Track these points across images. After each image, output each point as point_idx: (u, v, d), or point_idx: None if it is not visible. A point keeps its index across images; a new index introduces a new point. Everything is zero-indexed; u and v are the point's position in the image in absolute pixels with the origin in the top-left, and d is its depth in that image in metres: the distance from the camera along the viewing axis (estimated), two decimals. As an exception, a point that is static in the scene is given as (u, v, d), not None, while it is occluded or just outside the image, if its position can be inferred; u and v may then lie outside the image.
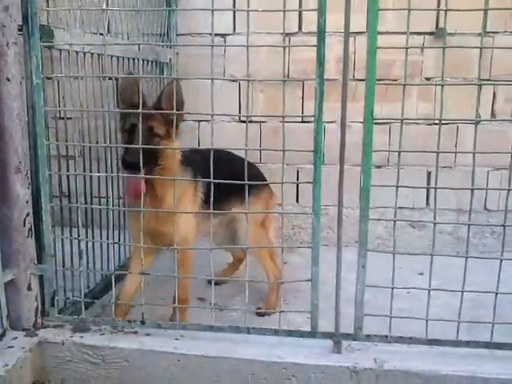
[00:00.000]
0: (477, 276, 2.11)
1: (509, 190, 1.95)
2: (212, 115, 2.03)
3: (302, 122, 3.45)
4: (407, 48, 1.94)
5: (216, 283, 2.71)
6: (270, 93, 3.57)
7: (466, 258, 1.94)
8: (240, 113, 3.59)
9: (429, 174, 3.55)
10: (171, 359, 2.01)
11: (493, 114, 3.47)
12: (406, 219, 3.47)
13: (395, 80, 3.49)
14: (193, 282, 2.42)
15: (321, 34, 1.90)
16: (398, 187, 1.96)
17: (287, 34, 3.54)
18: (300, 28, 3.55)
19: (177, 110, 2.04)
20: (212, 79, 2.05)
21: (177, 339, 2.10)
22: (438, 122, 1.96)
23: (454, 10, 2.07)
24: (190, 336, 2.12)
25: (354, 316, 2.01)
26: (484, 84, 1.93)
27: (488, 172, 3.50)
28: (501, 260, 1.93)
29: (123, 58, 2.78)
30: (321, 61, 1.91)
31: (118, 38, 2.88)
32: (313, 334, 2.04)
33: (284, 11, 1.97)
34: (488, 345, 1.98)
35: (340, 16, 1.90)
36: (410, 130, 3.37)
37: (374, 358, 1.98)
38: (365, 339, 2.02)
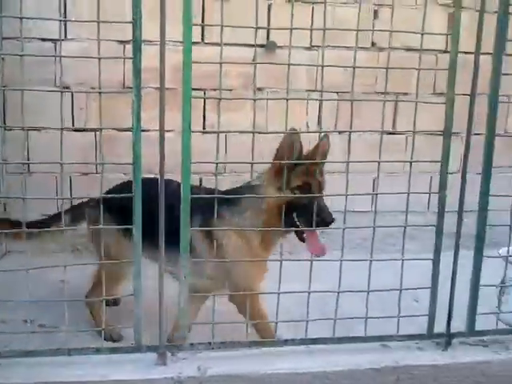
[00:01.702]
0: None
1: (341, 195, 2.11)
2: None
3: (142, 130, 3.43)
4: (221, 63, 2.01)
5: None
6: (105, 102, 3.48)
7: (280, 260, 2.06)
8: (73, 122, 3.46)
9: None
10: (-17, 390, 1.87)
11: (319, 123, 3.73)
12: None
13: (230, 90, 3.60)
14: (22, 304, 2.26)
15: (136, 45, 1.89)
16: (216, 197, 2.02)
17: (122, 42, 3.49)
18: (135, 35, 3.51)
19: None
20: (22, 90, 1.94)
21: (-8, 368, 1.95)
22: (265, 132, 2.07)
23: (273, 29, 2.20)
24: (6, 364, 1.97)
25: (179, 326, 2.03)
26: (291, 99, 2.04)
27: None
28: (341, 261, 2.07)
29: None
30: (137, 72, 1.91)
31: None
32: (137, 348, 2.02)
33: (98, 22, 1.94)
34: (304, 341, 2.11)
35: (176, 26, 1.92)
36: (244, 138, 3.50)
37: (198, 365, 2.00)
38: (189, 348, 2.04)
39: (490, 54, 2.01)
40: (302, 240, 2.34)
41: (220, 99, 2.05)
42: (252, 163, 2.05)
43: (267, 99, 3.32)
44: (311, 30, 3.57)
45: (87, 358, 2.02)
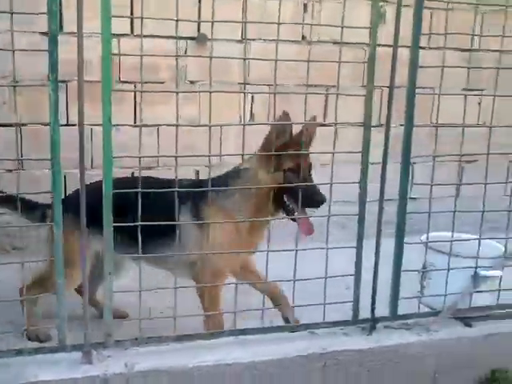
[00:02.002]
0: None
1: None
2: None
3: (67, 125, 3.33)
4: (142, 55, 1.97)
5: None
6: (31, 96, 3.37)
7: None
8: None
9: (197, 172, 3.69)
10: None
11: (252, 115, 3.75)
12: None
13: (162, 83, 3.56)
14: None
15: (52, 38, 1.85)
16: (140, 192, 1.99)
17: (46, 34, 3.37)
18: (61, 27, 3.41)
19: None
20: None
21: None
22: (191, 125, 2.06)
23: (206, 22, 2.18)
24: None
25: (104, 323, 1.99)
26: (214, 91, 2.03)
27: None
28: (267, 252, 2.09)
29: None
30: (54, 65, 1.86)
31: None
32: (62, 347, 1.97)
33: (12, 13, 1.88)
34: (232, 333, 2.12)
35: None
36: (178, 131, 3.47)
37: (124, 362, 1.98)
38: (115, 345, 2.01)
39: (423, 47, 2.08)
40: (294, 220, 2.38)
41: (142, 92, 2.02)
42: (176, 156, 2.04)
43: (191, 92, 3.30)
44: (232, 22, 3.55)
45: (10, 360, 1.96)
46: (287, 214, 2.37)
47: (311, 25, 2.53)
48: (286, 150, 2.27)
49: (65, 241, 1.95)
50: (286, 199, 2.31)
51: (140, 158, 2.02)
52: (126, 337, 2.04)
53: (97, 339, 2.00)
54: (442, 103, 3.56)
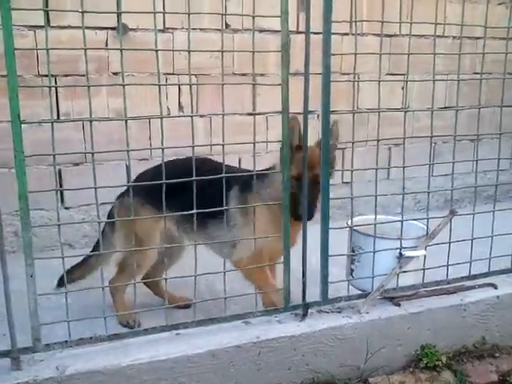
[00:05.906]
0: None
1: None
2: None
3: None
4: (48, 49, 1.87)
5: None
6: None
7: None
8: None
9: (127, 166, 3.59)
10: None
11: (180, 106, 3.70)
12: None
13: (83, 75, 3.44)
14: None
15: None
16: (58, 190, 1.92)
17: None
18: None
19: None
20: None
21: None
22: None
23: (130, 12, 2.11)
24: None
25: (30, 327, 1.92)
26: (125, 84, 1.97)
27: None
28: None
29: None
30: None
31: None
32: (-14, 355, 1.89)
33: None
34: (164, 328, 2.10)
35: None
36: (104, 125, 3.36)
37: (56, 365, 1.93)
38: (44, 349, 1.96)
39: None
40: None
41: (50, 87, 1.94)
42: (87, 152, 1.98)
43: (133, 84, 3.21)
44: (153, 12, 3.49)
45: None
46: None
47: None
48: (294, 157, 2.20)
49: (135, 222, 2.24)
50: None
51: (54, 155, 1.91)
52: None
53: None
54: (368, 88, 3.64)
